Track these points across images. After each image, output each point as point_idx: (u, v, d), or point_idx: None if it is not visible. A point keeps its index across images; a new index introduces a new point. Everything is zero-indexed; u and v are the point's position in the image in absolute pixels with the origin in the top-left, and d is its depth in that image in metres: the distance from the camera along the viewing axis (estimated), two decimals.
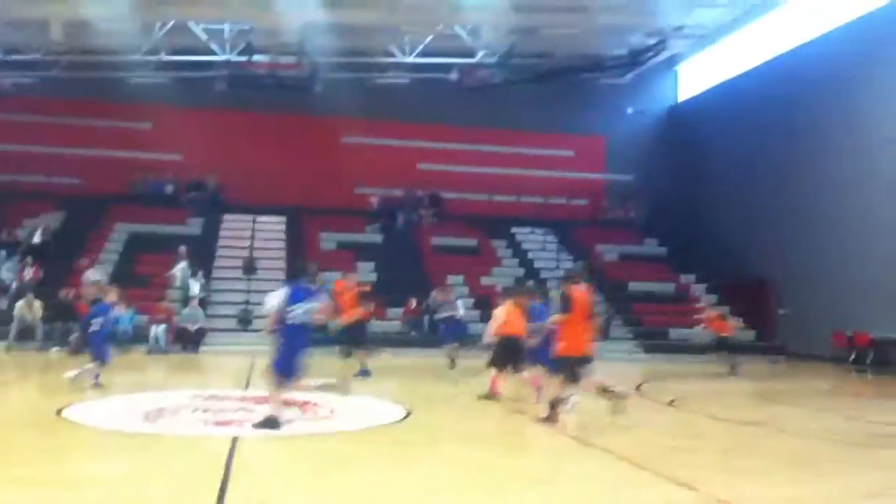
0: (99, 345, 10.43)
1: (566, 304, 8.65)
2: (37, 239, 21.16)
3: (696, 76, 28.57)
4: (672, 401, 11.44)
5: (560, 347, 8.72)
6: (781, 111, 22.65)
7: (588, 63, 24.93)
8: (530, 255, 24.95)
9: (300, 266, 9.30)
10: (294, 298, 7.90)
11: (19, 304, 17.45)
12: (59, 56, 23.14)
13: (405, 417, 9.04)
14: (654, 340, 20.64)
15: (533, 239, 25.91)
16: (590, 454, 7.38)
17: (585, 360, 8.77)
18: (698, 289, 23.45)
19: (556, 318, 8.89)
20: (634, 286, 23.08)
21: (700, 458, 7.33)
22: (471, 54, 23.98)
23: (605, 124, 28.35)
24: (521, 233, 26.13)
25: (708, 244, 25.09)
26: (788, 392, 14.24)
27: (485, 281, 22.27)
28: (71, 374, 10.18)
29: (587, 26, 22.43)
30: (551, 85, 25.07)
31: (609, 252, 25.51)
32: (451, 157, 27.51)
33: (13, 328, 17.19)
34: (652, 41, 23.56)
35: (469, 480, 6.06)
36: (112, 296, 11.30)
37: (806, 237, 21.58)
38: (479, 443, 7.90)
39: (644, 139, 28.68)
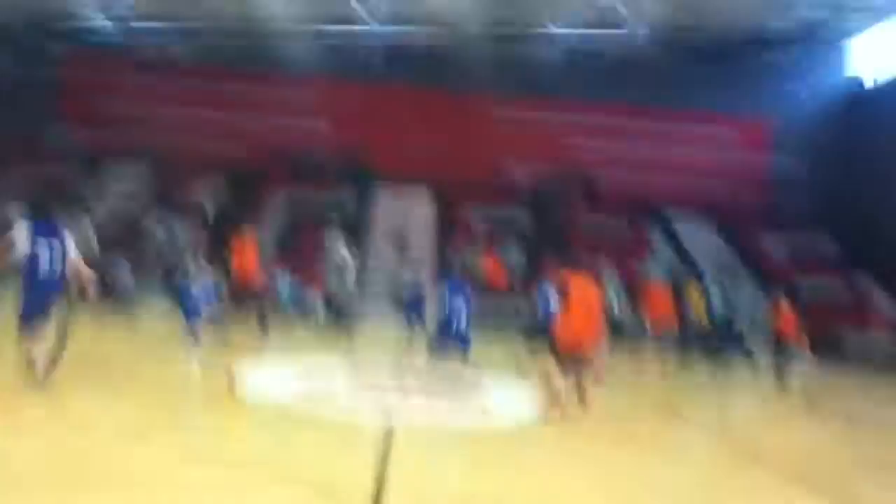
0: None
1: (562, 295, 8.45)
2: (208, 206, 22.36)
3: (879, 54, 25.75)
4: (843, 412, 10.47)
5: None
6: None
7: (753, 39, 23.16)
8: (685, 244, 23.74)
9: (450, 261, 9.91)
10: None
11: (192, 267, 18.47)
12: (217, 24, 24.04)
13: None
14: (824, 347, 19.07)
15: (688, 226, 24.61)
16: (751, 466, 6.78)
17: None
18: (874, 287, 21.48)
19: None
20: (802, 284, 21.43)
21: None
22: (630, 28, 22.83)
23: (769, 105, 26.15)
24: (675, 218, 24.88)
25: (887, 239, 22.81)
26: None
27: (636, 268, 21.39)
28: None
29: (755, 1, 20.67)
30: (712, 61, 23.56)
31: (772, 243, 23.79)
32: (603, 135, 26.53)
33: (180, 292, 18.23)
34: (825, 14, 21.34)
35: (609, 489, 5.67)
36: None
37: None
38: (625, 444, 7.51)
39: (815, 123, 26.38)
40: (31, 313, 7.02)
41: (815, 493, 5.79)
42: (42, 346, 7.09)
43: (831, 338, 19.32)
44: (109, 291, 17.47)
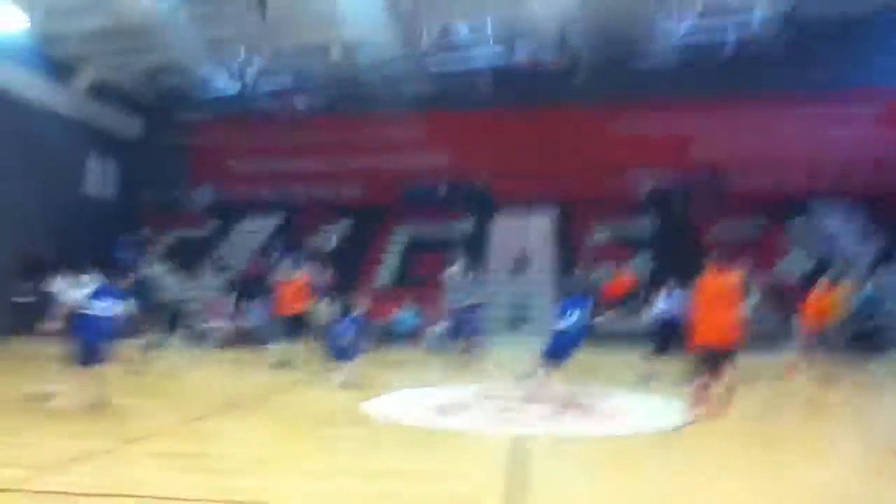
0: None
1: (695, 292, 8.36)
2: (331, 244, 23.11)
3: None
4: None
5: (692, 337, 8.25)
6: None
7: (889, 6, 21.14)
8: (830, 237, 22.05)
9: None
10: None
11: (319, 305, 19.05)
12: (338, 75, 25.07)
13: (691, 421, 8.10)
14: None
15: (833, 218, 22.84)
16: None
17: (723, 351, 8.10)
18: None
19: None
20: None
21: None
22: (748, 15, 21.56)
23: None
24: (818, 211, 23.17)
25: None
26: None
27: (777, 270, 20.09)
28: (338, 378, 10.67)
29: None
30: (848, 38, 21.73)
31: None
32: (732, 132, 25.03)
33: (313, 328, 18.79)
34: None
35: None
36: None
37: None
38: (779, 449, 6.84)
39: None
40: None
41: None
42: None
43: None
44: (250, 337, 18.27)
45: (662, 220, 23.59)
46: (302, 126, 26.95)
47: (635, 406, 9.14)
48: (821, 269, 17.93)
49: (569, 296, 9.24)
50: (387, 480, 5.55)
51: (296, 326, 13.81)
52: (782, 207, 23.11)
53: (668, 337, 11.12)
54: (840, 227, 22.54)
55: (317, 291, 19.95)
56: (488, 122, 25.87)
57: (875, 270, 19.20)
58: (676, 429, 7.76)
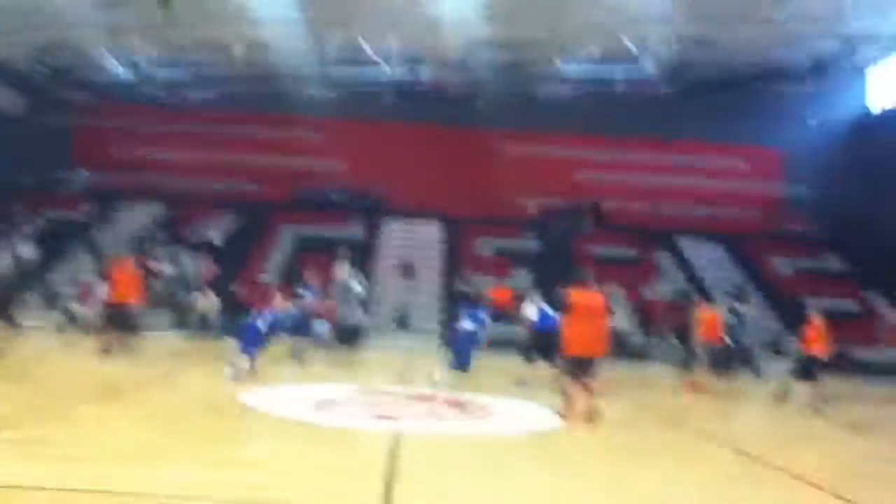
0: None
1: (566, 306, 8.88)
2: (215, 238, 22.65)
3: (889, 85, 25.80)
4: (854, 422, 10.32)
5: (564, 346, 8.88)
6: None
7: (766, 72, 23.16)
8: (696, 269, 23.75)
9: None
10: None
11: (198, 297, 18.72)
12: (239, 72, 24.67)
13: (563, 425, 8.66)
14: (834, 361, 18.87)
15: (699, 251, 24.65)
16: (766, 475, 6.69)
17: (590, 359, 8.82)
18: (884, 306, 21.31)
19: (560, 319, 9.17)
20: (813, 302, 21.29)
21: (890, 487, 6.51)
22: (639, 64, 23.03)
23: (782, 135, 26.20)
24: (686, 245, 24.93)
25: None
26: None
27: (646, 293, 21.42)
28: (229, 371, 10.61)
29: (765, 35, 20.82)
30: (725, 95, 23.61)
31: (784, 266, 23.81)
32: (614, 168, 26.89)
33: (193, 319, 18.45)
34: (838, 48, 21.50)
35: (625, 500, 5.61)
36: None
37: None
38: (640, 458, 7.39)
39: (827, 151, 26.29)
40: None
41: (839, 500, 5.70)
42: None
43: (841, 352, 19.12)
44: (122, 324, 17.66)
45: (545, 241, 24.61)
46: (195, 119, 26.32)
47: (508, 409, 9.61)
48: (684, 294, 19.38)
49: (469, 302, 9.62)
50: (256, 472, 5.43)
51: (121, 315, 13.04)
52: (654, 238, 24.69)
53: (541, 346, 11.76)
54: (705, 260, 24.26)
55: (201, 283, 19.62)
56: (386, 135, 26.23)
57: (734, 302, 20.79)
58: (545, 432, 8.25)
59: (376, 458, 5.98)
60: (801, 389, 11.77)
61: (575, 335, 8.74)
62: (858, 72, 25.38)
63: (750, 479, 6.58)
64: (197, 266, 20.85)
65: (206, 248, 22.02)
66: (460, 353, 11.34)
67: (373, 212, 25.74)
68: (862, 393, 14.30)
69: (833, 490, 5.93)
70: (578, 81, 23.84)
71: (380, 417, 8.22)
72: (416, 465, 6.07)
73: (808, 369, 11.57)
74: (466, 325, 11.10)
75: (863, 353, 18.64)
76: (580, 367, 8.73)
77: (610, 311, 9.34)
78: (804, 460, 7.69)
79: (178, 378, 11.09)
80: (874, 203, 24.65)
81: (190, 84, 25.10)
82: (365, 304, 19.21)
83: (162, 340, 16.67)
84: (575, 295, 8.92)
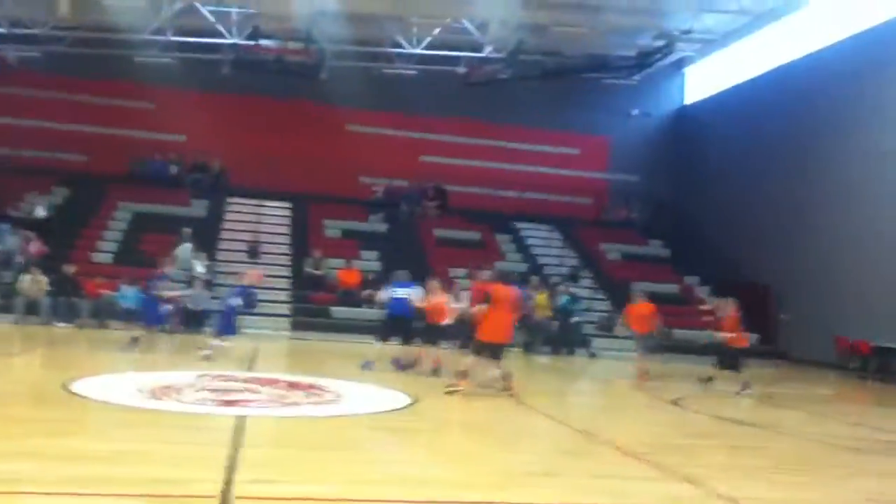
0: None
1: (487, 298, 10.23)
2: (41, 214, 21.17)
3: (703, 80, 28.58)
4: (676, 400, 11.47)
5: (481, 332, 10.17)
6: (787, 118, 22.83)
7: (595, 63, 24.87)
8: (534, 251, 25.00)
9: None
10: None
11: (25, 278, 17.50)
12: (66, 32, 23.07)
13: (410, 405, 9.07)
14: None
15: (537, 235, 25.96)
16: (593, 448, 7.42)
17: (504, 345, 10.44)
18: (701, 291, 23.45)
19: (479, 308, 10.43)
20: (637, 286, 23.05)
21: (704, 457, 7.41)
22: (479, 49, 23.99)
23: (610, 124, 28.44)
24: (524, 228, 26.16)
25: (711, 247, 25.21)
26: (790, 396, 14.30)
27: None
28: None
29: (596, 26, 22.41)
30: (558, 83, 25.04)
31: (612, 252, 25.56)
32: (455, 151, 27.64)
33: (19, 302, 17.24)
34: (660, 43, 23.52)
35: (469, 471, 6.04)
36: None
37: (809, 243, 21.70)
38: (482, 433, 7.94)
39: (649, 141, 28.85)
40: None
41: (656, 468, 6.35)
42: None
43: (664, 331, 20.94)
44: None
45: (391, 223, 24.96)
46: (20, 81, 24.31)
47: (356, 392, 9.86)
48: (524, 276, 20.40)
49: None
50: (84, 463, 5.25)
51: None
52: (497, 222, 25.72)
53: (393, 326, 12.63)
54: (542, 243, 25.59)
55: (28, 262, 18.30)
56: (228, 107, 25.49)
57: (567, 283, 22.16)
58: (392, 411, 8.58)
59: (215, 445, 5.92)
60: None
61: (492, 324, 10.06)
62: (678, 68, 28.00)
63: (580, 451, 7.28)
64: (22, 244, 19.44)
65: (33, 224, 20.55)
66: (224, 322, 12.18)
67: (214, 188, 24.96)
68: (682, 371, 15.76)
69: (652, 459, 6.66)
70: (421, 61, 24.41)
71: (223, 403, 8.19)
72: (258, 448, 6.13)
73: (732, 359, 12.65)
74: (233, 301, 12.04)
75: (682, 335, 20.37)
76: (492, 352, 10.15)
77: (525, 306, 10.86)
78: (626, 432, 8.53)
79: (4, 365, 10.45)
80: (689, 190, 27.19)
81: (7, 39, 23.14)
82: (210, 286, 18.79)
83: None
84: (497, 289, 10.28)
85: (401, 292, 12.58)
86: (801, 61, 22.91)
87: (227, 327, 11.65)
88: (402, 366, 12.35)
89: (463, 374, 9.97)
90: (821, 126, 21.63)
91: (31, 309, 17.26)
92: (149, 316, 11.99)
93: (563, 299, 20.40)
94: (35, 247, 19.33)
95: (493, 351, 10.15)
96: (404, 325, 12.56)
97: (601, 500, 5.31)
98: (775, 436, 9.15)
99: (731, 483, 5.96)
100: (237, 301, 11.81)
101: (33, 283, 17.42)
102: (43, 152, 24.26)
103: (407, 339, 12.70)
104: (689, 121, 28.91)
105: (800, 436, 9.17)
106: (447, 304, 12.33)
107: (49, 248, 19.64)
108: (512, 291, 10.44)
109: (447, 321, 12.19)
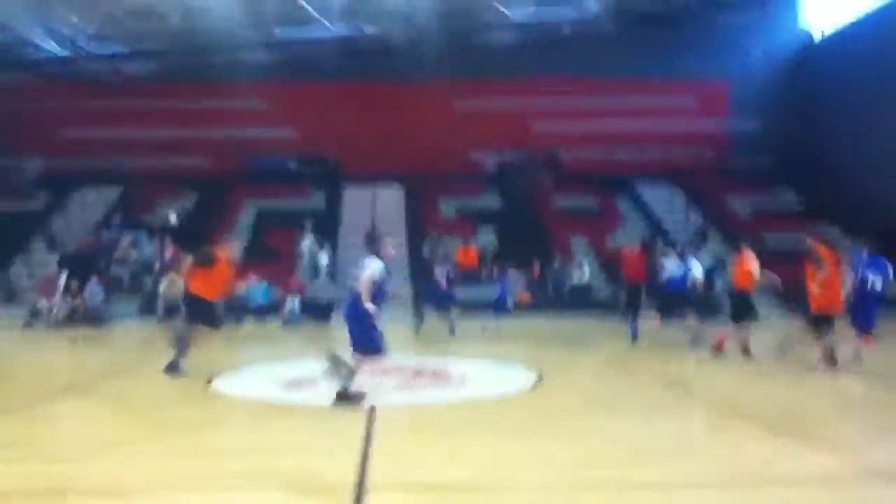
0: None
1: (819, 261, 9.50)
2: (172, 219, 22.30)
3: (828, 12, 26.28)
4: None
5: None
6: None
7: (707, 3, 23.47)
8: (657, 213, 24.05)
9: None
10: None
11: (164, 282, 18.49)
12: (178, 42, 24.07)
13: (537, 383, 8.86)
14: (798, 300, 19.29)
15: (658, 195, 24.92)
16: (731, 424, 6.93)
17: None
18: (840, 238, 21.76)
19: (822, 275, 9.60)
20: (772, 240, 21.75)
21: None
22: (583, 4, 23.08)
23: (727, 67, 26.47)
24: (644, 189, 25.17)
25: (849, 192, 23.31)
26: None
27: (609, 242, 21.66)
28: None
29: None
30: (669, 30, 23.79)
31: (740, 205, 24.20)
32: (566, 113, 26.76)
33: (160, 306, 18.25)
34: None
35: (607, 451, 5.78)
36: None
37: None
38: (616, 410, 7.62)
39: (771, 82, 26.78)
40: None
41: (793, 438, 5.95)
42: None
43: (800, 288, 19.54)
44: (87, 314, 17.51)
45: (506, 197, 24.66)
46: (140, 93, 25.69)
47: (481, 372, 9.77)
48: (645, 239, 19.63)
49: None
50: (223, 458, 5.43)
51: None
52: (612, 185, 24.87)
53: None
54: (662, 202, 24.56)
55: (165, 267, 19.36)
56: (335, 95, 25.88)
57: (691, 242, 21.13)
58: (517, 393, 8.42)
59: (349, 436, 6.02)
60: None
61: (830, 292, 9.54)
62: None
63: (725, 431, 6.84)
64: (159, 249, 20.58)
65: (167, 230, 21.69)
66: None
67: (332, 179, 25.50)
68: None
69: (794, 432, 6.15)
70: (522, 26, 23.76)
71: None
72: (391, 438, 6.15)
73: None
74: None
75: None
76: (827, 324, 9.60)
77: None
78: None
79: (149, 367, 11.02)
80: (821, 134, 25.14)
81: (129, 57, 24.46)
82: (333, 275, 19.23)
83: (129, 329, 16.56)
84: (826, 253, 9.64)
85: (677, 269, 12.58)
86: None
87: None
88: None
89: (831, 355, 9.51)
90: None
91: (172, 311, 18.21)
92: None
93: (707, 262, 19.39)
94: (171, 252, 20.37)
95: (828, 323, 9.49)
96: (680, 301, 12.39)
97: None
98: None
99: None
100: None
101: (171, 286, 18.36)
102: (167, 159, 25.56)
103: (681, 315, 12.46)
104: (815, 58, 26.73)
105: None
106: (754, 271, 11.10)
107: (184, 251, 20.65)
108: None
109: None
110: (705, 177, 25.31)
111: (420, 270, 20.70)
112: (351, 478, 4.77)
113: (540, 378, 9.06)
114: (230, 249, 10.22)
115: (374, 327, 7.37)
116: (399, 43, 23.71)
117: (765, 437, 6.18)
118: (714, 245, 21.77)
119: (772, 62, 26.93)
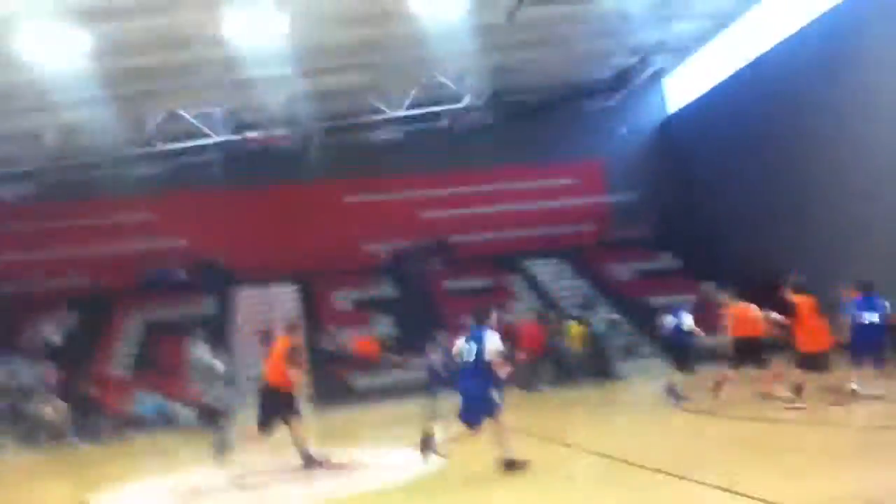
0: None
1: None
2: (55, 340, 21.25)
3: (683, 87, 28.66)
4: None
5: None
6: (772, 106, 22.64)
7: (575, 91, 25.17)
8: (546, 286, 24.81)
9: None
10: None
11: (45, 406, 17.43)
12: (55, 162, 23.47)
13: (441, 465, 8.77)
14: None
15: (546, 269, 25.80)
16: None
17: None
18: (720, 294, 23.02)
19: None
20: (656, 301, 22.76)
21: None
22: (458, 99, 24.29)
23: (600, 147, 28.40)
24: (533, 265, 26.01)
25: (722, 250, 24.81)
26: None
27: (506, 317, 22.05)
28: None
29: (568, 56, 22.71)
30: (543, 117, 25.24)
31: (623, 271, 25.34)
32: (454, 202, 27.66)
33: (42, 432, 17.13)
34: (634, 60, 23.84)
35: None
36: None
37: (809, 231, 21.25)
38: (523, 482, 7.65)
39: (641, 156, 28.72)
40: None
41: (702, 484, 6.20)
42: None
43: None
44: None
45: (400, 285, 24.87)
46: (18, 215, 24.68)
47: (380, 460, 9.59)
48: (540, 312, 20.19)
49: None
50: None
51: None
52: (502, 264, 25.60)
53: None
54: (553, 276, 25.42)
55: (44, 390, 18.25)
56: (222, 201, 25.73)
57: (589, 312, 21.89)
58: (418, 478, 8.31)
59: None
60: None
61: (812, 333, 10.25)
62: (657, 80, 28.14)
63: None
64: (37, 373, 19.45)
65: (48, 352, 20.60)
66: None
67: (223, 283, 25.00)
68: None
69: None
70: (404, 120, 24.68)
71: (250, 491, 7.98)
72: None
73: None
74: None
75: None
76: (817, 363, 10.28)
77: None
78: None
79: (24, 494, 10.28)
80: (689, 198, 26.93)
81: (5, 179, 23.64)
82: (230, 380, 18.57)
83: (12, 459, 15.40)
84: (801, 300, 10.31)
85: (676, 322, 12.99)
86: (773, 51, 22.90)
87: None
88: (677, 396, 12.08)
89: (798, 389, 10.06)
90: (803, 109, 21.45)
91: (56, 436, 17.14)
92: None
93: (600, 326, 20.16)
94: (52, 375, 19.32)
95: (818, 361, 10.11)
96: (684, 354, 12.81)
97: None
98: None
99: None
100: None
101: (54, 411, 17.35)
102: (48, 280, 24.43)
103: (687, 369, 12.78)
104: (676, 129, 28.89)
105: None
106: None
107: (66, 372, 19.61)
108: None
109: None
110: (590, 249, 26.49)
111: (320, 363, 20.41)
112: None
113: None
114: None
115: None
116: (284, 147, 24.02)
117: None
118: (603, 309, 22.62)
119: (639, 138, 28.96)
